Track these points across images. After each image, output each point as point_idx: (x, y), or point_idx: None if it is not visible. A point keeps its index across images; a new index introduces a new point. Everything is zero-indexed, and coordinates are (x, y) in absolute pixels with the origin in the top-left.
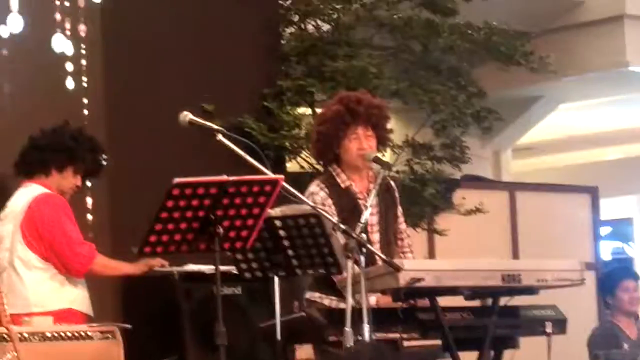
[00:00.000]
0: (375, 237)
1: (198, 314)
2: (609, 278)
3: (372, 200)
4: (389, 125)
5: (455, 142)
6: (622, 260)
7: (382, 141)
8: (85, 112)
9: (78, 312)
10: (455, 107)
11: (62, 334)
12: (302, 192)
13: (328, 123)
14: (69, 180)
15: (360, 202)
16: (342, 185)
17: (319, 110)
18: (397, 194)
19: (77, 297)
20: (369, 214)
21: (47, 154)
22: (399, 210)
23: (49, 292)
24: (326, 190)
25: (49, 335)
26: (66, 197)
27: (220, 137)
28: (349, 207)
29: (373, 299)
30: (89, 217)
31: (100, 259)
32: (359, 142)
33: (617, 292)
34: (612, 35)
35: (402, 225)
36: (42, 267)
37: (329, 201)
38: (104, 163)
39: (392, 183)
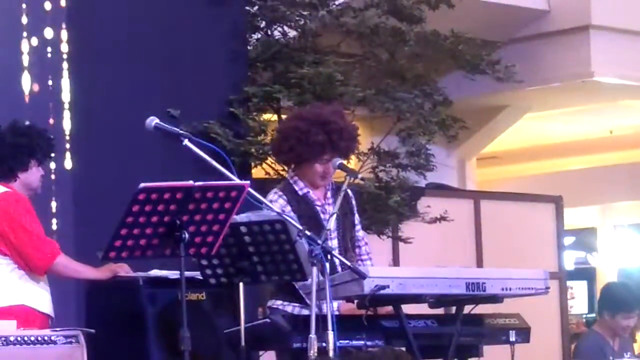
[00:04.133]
0: (334, 243)
1: (162, 320)
2: (619, 299)
3: (337, 207)
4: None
5: (421, 150)
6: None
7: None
8: (51, 116)
9: (34, 310)
10: (421, 115)
11: (26, 339)
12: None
13: (307, 146)
14: (35, 174)
15: (318, 209)
16: (300, 193)
17: (284, 117)
18: (353, 201)
19: (35, 295)
20: (327, 220)
21: (9, 161)
22: (356, 217)
23: (4, 287)
24: (284, 197)
25: (12, 339)
26: (38, 190)
27: (186, 142)
28: (307, 214)
29: (335, 306)
30: (54, 221)
31: (62, 259)
32: (327, 167)
33: (618, 315)
34: (578, 45)
35: (360, 233)
36: (1, 263)
37: (288, 208)
38: (53, 141)
39: (349, 191)
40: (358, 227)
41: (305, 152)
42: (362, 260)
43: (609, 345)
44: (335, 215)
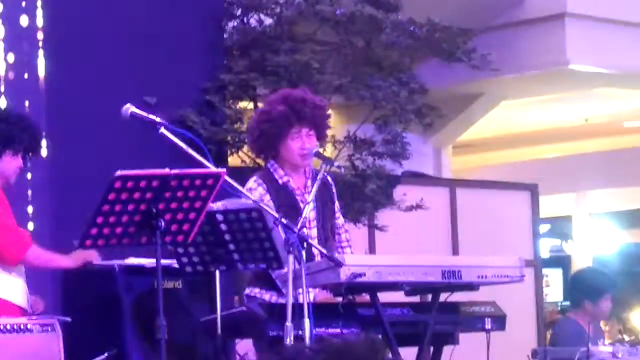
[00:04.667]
0: (314, 232)
1: (139, 308)
2: (599, 284)
3: (312, 195)
4: (330, 123)
5: (397, 138)
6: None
7: (322, 138)
8: (26, 102)
9: (7, 302)
10: (397, 103)
11: (1, 327)
12: (244, 187)
13: (271, 122)
14: (10, 163)
15: (298, 198)
16: (280, 182)
17: (261, 105)
18: (334, 189)
19: (8, 287)
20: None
21: None
22: (337, 205)
23: None
24: (264, 185)
25: None
26: (11, 180)
27: (162, 130)
28: (287, 203)
29: (311, 295)
30: (29, 209)
31: (34, 249)
32: (301, 142)
33: (601, 300)
34: (553, 33)
35: (340, 220)
36: None
37: (267, 197)
38: (41, 137)
39: (329, 178)
40: (338, 214)
41: (272, 129)
42: (342, 248)
43: (586, 333)
44: (313, 204)
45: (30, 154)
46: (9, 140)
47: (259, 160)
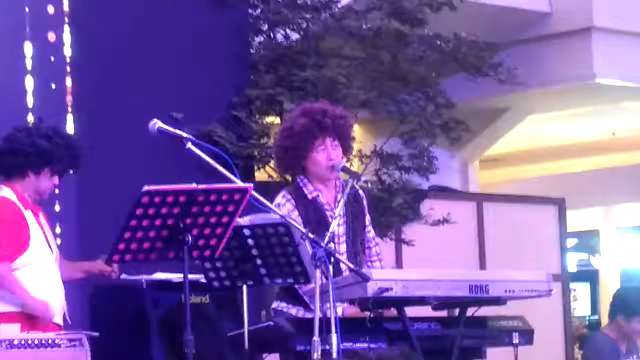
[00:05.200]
0: (342, 247)
1: (166, 323)
2: (634, 303)
3: (340, 209)
4: (353, 134)
5: (423, 152)
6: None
7: (347, 149)
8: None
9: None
10: (424, 118)
11: (30, 342)
12: (271, 201)
13: (295, 137)
14: (46, 181)
15: (328, 213)
16: (309, 197)
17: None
18: (365, 202)
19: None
20: (336, 224)
21: (21, 158)
22: (367, 219)
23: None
24: (292, 202)
25: (15, 343)
26: (44, 197)
27: (189, 145)
28: (315, 219)
29: (339, 309)
30: (57, 224)
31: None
32: (327, 153)
33: (634, 319)
34: (580, 47)
35: (371, 234)
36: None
37: (295, 213)
38: (81, 156)
39: (361, 192)
40: (369, 227)
41: (296, 143)
42: (371, 262)
43: (619, 347)
44: (342, 219)
45: (68, 172)
46: (50, 159)
47: (287, 175)
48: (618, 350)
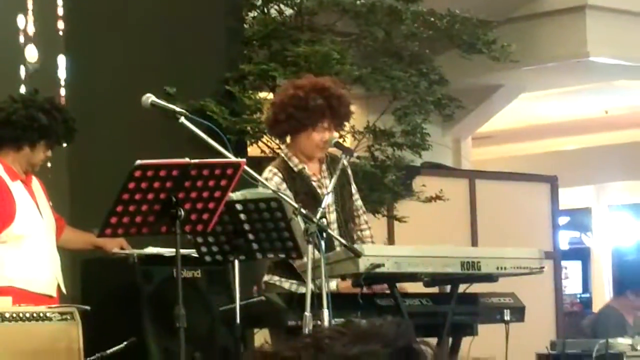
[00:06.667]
0: (332, 217)
1: (158, 297)
2: None
3: (332, 185)
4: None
5: (416, 129)
6: None
7: (340, 128)
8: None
9: (25, 291)
10: (417, 94)
11: (21, 315)
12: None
13: (307, 112)
14: (40, 154)
15: (315, 183)
16: (295, 169)
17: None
18: (349, 171)
19: (25, 277)
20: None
21: (19, 131)
22: (353, 187)
23: None
24: (280, 175)
25: (7, 316)
26: (36, 169)
27: (182, 119)
28: (303, 190)
29: (333, 284)
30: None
31: None
32: (324, 134)
33: None
34: (574, 25)
35: (358, 202)
36: None
37: (284, 186)
38: (76, 130)
39: (345, 161)
40: (356, 196)
41: (305, 118)
42: (361, 230)
43: (627, 321)
44: (331, 195)
45: (59, 144)
46: (46, 133)
47: (279, 151)
48: (625, 324)
